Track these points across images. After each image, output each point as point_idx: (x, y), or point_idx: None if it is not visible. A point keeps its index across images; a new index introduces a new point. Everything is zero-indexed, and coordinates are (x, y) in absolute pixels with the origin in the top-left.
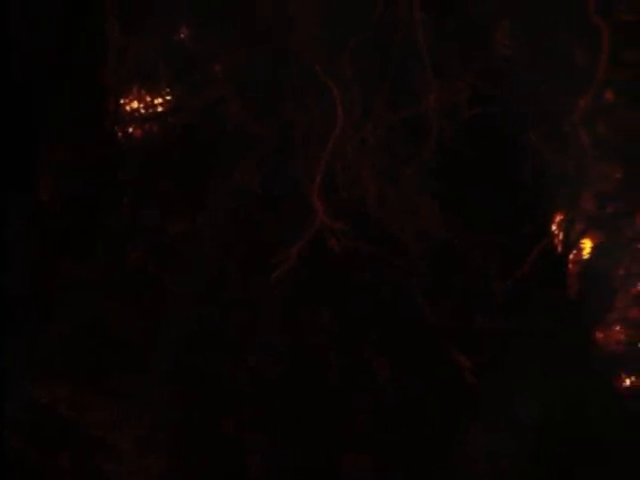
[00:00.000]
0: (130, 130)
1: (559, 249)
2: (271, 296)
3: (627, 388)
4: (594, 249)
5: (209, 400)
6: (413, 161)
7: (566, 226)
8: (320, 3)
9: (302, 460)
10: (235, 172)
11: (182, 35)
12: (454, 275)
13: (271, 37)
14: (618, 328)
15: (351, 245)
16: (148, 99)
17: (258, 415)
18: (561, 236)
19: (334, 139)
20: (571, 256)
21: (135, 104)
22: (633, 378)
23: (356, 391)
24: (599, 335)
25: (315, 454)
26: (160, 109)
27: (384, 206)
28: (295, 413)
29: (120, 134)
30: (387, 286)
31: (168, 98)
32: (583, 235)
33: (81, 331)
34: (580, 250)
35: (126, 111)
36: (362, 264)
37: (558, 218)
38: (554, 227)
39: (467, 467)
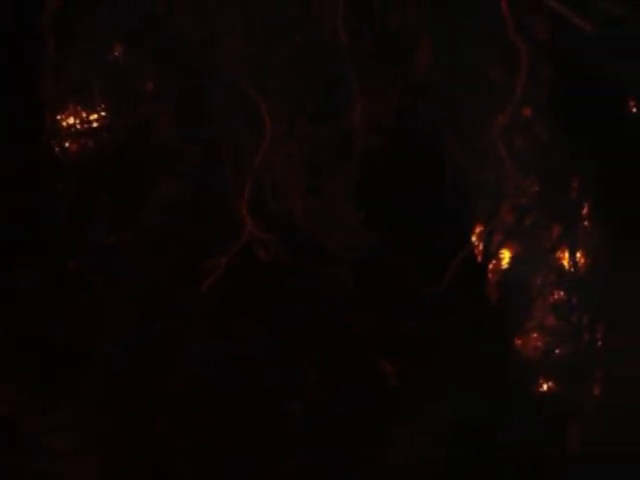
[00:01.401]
0: (66, 145)
1: (479, 259)
2: (202, 304)
3: (544, 393)
4: (512, 259)
5: (142, 404)
6: (338, 174)
7: (486, 237)
8: (247, 20)
9: (232, 463)
10: (166, 186)
11: (116, 53)
12: (378, 283)
13: (199, 54)
14: (535, 335)
15: (279, 256)
16: (84, 115)
17: (190, 419)
18: (481, 246)
19: (262, 153)
20: (490, 266)
21: (71, 120)
22: (550, 383)
23: (284, 396)
24: (517, 342)
25: (244, 457)
26: (95, 125)
27: (311, 218)
28: (226, 417)
29: (57, 149)
30: (315, 295)
31: (103, 114)
32: (502, 246)
33: (18, 336)
34: (499, 260)
35: (62, 126)
36: (290, 274)
37: (478, 229)
38: (474, 238)
39: (390, 469)
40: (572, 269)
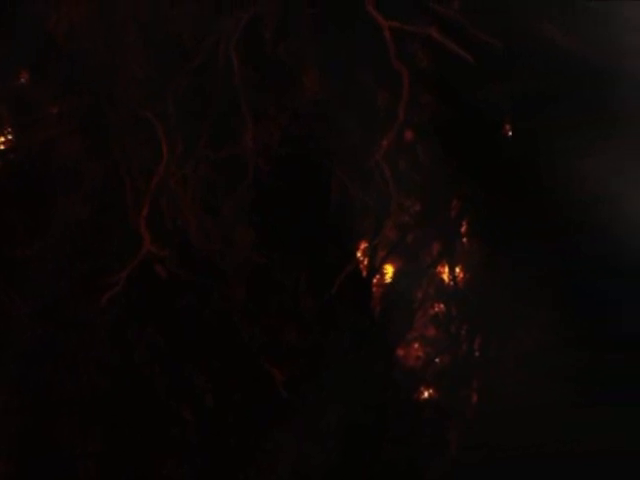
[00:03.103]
0: None
1: (364, 274)
2: (102, 316)
3: (425, 399)
4: (395, 274)
5: (45, 410)
6: (231, 195)
7: (370, 253)
8: (146, 49)
9: (129, 465)
10: (70, 204)
11: (22, 79)
12: (269, 297)
13: (100, 80)
14: (417, 345)
15: (176, 271)
16: None
17: (89, 424)
18: (365, 262)
19: (158, 175)
20: (374, 280)
21: None
22: (430, 390)
23: (179, 403)
24: (400, 352)
25: (141, 459)
26: (2, 147)
27: (206, 236)
28: (123, 422)
29: None
30: (209, 307)
31: (9, 137)
32: (385, 261)
33: None
34: (383, 275)
35: None
36: (186, 288)
37: (363, 245)
38: (359, 254)
39: (279, 471)
40: (451, 283)
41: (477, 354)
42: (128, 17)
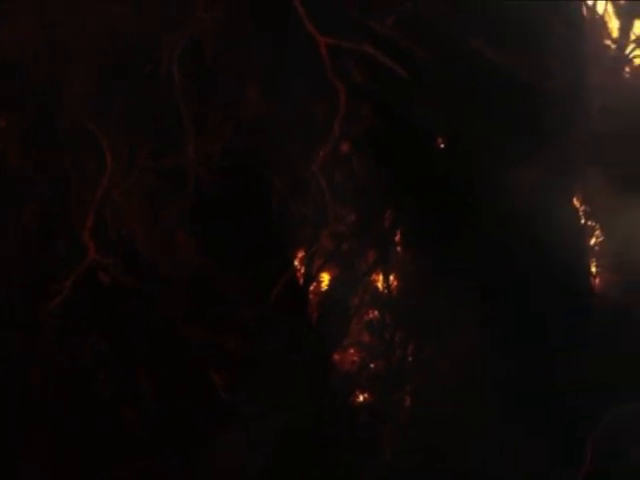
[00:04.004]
0: None
1: (301, 282)
2: (48, 323)
3: (360, 403)
4: (331, 281)
5: None
6: (173, 204)
7: (307, 261)
8: (90, 63)
9: (76, 465)
10: (18, 213)
11: None
12: (209, 303)
13: (47, 94)
14: (352, 351)
15: (120, 278)
16: None
17: (35, 429)
18: (303, 270)
19: (103, 186)
20: (312, 288)
21: None
22: (365, 395)
23: (124, 405)
24: (336, 357)
25: (87, 460)
26: None
27: (149, 244)
28: (69, 426)
29: None
30: (152, 314)
31: None
32: (322, 269)
33: None
34: (319, 282)
35: None
36: (130, 294)
37: (300, 254)
38: (296, 262)
39: (220, 474)
40: (386, 290)
41: (410, 359)
42: (73, 31)
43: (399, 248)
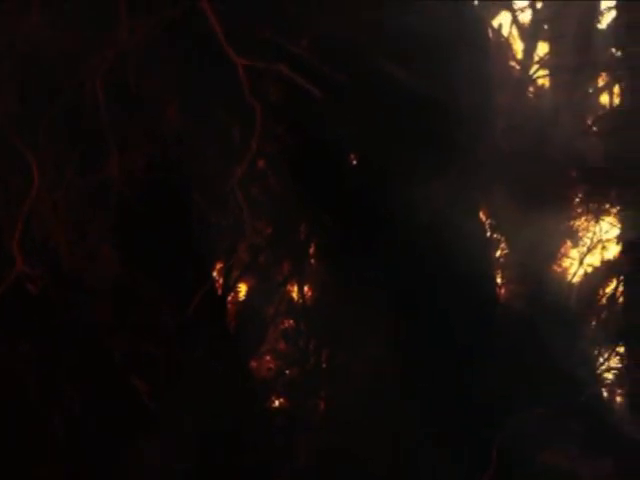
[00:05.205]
0: None
1: (219, 292)
2: None
3: (276, 408)
4: (248, 292)
5: None
6: (98, 218)
7: (225, 272)
8: (19, 83)
9: (3, 466)
10: None
11: None
12: (133, 313)
13: None
14: (268, 358)
15: (46, 289)
16: None
17: None
18: (221, 281)
19: (30, 200)
20: (229, 298)
21: None
22: (281, 400)
23: (49, 410)
24: (253, 364)
25: (13, 466)
26: None
27: (74, 256)
28: None
29: None
30: (78, 322)
31: None
32: (239, 280)
33: None
34: (237, 292)
35: None
36: (57, 305)
37: (218, 266)
38: (215, 273)
39: (146, 476)
40: (300, 300)
41: (324, 366)
42: (2, 51)
43: (313, 260)
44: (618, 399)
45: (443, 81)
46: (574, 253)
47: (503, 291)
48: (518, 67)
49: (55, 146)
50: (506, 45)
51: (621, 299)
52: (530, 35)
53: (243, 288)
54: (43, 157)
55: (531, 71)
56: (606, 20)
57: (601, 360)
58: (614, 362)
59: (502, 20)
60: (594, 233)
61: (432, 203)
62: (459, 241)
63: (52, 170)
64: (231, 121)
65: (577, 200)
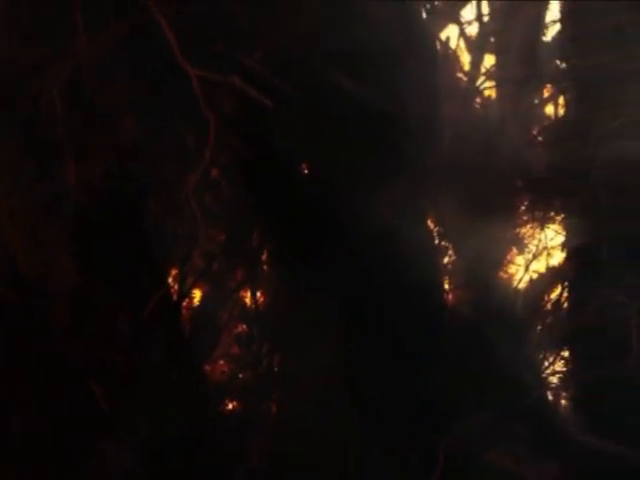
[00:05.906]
0: None
1: (174, 298)
2: None
3: (229, 411)
4: (203, 298)
5: None
6: (54, 226)
7: (180, 279)
8: None
9: None
10: None
11: None
12: (89, 318)
13: None
14: (222, 362)
15: (4, 296)
16: None
17: None
18: (176, 287)
19: None
20: (184, 303)
21: None
22: (234, 403)
23: (7, 414)
24: (207, 368)
25: None
26: None
27: (31, 264)
28: None
29: None
30: (35, 327)
31: None
32: (194, 286)
33: None
34: (191, 298)
35: None
36: (14, 310)
37: (173, 272)
38: (170, 279)
39: None
40: (253, 306)
41: (276, 369)
42: None
43: (266, 266)
44: (563, 402)
45: (391, 92)
46: (520, 260)
47: (451, 297)
48: (465, 78)
49: (11, 155)
50: (453, 57)
51: (566, 304)
52: (477, 47)
53: (197, 294)
54: None
55: (478, 82)
56: (551, 33)
57: (546, 364)
58: (559, 366)
59: (450, 33)
60: (539, 240)
61: (381, 212)
62: (408, 249)
63: (8, 178)
64: (186, 131)
65: (523, 208)
